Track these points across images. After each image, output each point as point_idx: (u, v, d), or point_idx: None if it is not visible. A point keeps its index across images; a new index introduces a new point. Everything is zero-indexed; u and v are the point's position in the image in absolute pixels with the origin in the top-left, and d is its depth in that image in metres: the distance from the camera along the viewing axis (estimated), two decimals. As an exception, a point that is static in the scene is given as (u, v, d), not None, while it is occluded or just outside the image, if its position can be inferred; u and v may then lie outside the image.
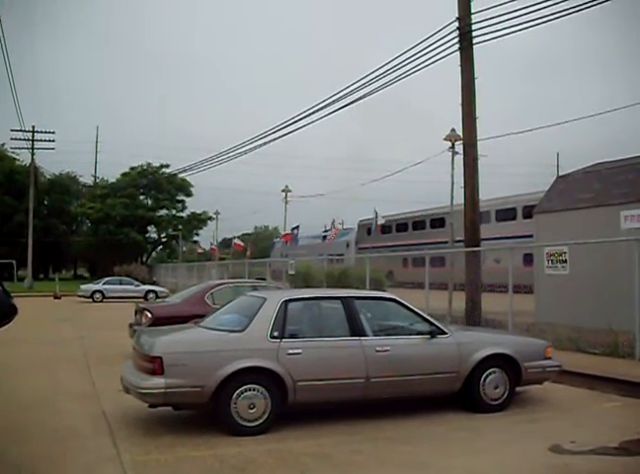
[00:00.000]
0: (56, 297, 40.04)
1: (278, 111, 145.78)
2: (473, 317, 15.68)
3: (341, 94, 21.15)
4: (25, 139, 53.91)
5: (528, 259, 22.66)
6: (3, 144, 71.10)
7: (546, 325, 14.52)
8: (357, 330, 8.22)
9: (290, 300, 8.37)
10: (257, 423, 7.50)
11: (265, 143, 28.28)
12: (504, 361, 8.72)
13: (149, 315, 13.27)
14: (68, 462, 6.54)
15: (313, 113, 23.25)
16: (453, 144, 24.60)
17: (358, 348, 8.07)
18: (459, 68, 16.21)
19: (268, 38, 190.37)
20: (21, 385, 10.67)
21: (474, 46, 16.03)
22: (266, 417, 7.54)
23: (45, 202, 76.06)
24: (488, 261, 24.91)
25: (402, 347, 8.31)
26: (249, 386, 7.52)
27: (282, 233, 56.53)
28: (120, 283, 40.09)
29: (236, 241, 64.71)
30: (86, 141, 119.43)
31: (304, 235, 56.10)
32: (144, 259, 78.75)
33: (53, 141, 54.48)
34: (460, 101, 16.27)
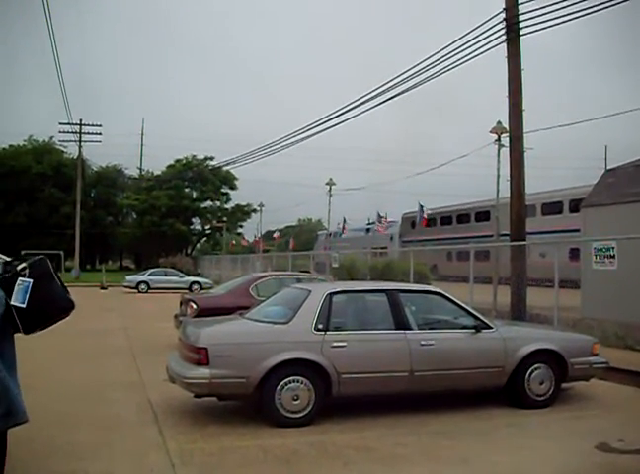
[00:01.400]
0: (103, 288, 40.73)
1: (323, 104, 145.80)
2: (518, 312, 15.50)
3: (386, 86, 21.06)
4: (72, 132, 54.80)
5: (575, 253, 22.26)
6: (52, 138, 72.51)
7: (593, 321, 14.28)
8: (401, 323, 8.20)
9: (335, 293, 8.38)
10: (301, 414, 7.54)
11: (309, 136, 28.37)
12: (550, 357, 8.62)
13: (194, 306, 13.42)
14: (115, 449, 6.66)
15: (357, 105, 23.21)
16: (500, 137, 24.30)
17: (402, 341, 8.05)
18: (506, 60, 16.00)
19: (314, 30, 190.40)
20: (69, 375, 10.89)
21: (521, 38, 15.81)
22: (310, 409, 7.58)
23: (92, 195, 77.31)
24: (533, 255, 24.59)
25: (447, 341, 8.27)
26: (293, 378, 7.56)
27: (325, 227, 56.57)
28: (165, 275, 40.58)
29: (275, 234, 64.99)
30: (132, 134, 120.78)
31: (348, 228, 56.07)
32: (189, 250, 79.61)
33: (100, 134, 55.23)
34: (507, 93, 16.07)
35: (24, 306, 3.36)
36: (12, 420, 3.33)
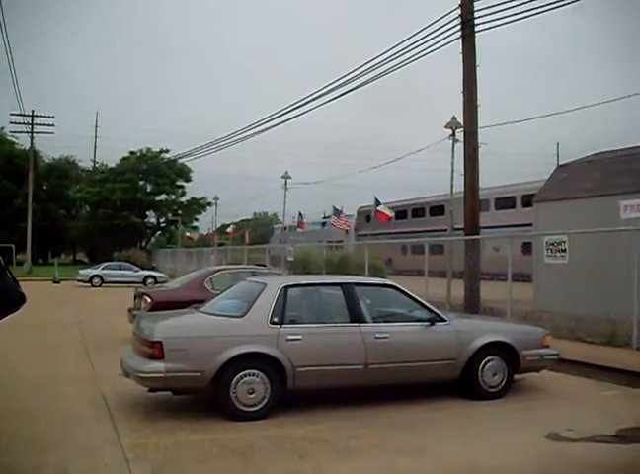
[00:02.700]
0: (55, 282, 40.04)
1: (278, 98, 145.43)
2: (472, 305, 15.72)
3: (342, 81, 21.09)
4: (24, 123, 53.79)
5: (527, 248, 22.68)
6: (2, 128, 71.00)
7: (545, 313, 14.56)
8: (356, 316, 8.24)
9: (290, 286, 8.39)
10: (256, 408, 7.53)
11: (265, 130, 28.24)
12: (502, 349, 8.75)
13: (149, 300, 13.29)
14: (69, 444, 6.57)
15: (313, 99, 23.20)
16: (454, 132, 24.55)
17: (357, 334, 8.09)
18: (461, 56, 16.15)
19: (269, 24, 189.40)
20: (21, 370, 10.69)
21: (476, 35, 15.98)
22: (265, 402, 7.57)
23: (45, 187, 75.90)
24: (487, 249, 24.92)
25: (401, 333, 8.34)
26: (249, 371, 7.55)
27: (280, 221, 56.36)
28: (120, 268, 40.14)
29: (229, 229, 64.71)
30: (86, 126, 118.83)
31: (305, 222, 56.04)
32: (143, 244, 78.76)
33: (53, 126, 54.36)
34: (462, 89, 16.23)
35: None
36: None
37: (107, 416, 7.72)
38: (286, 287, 8.27)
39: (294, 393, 7.93)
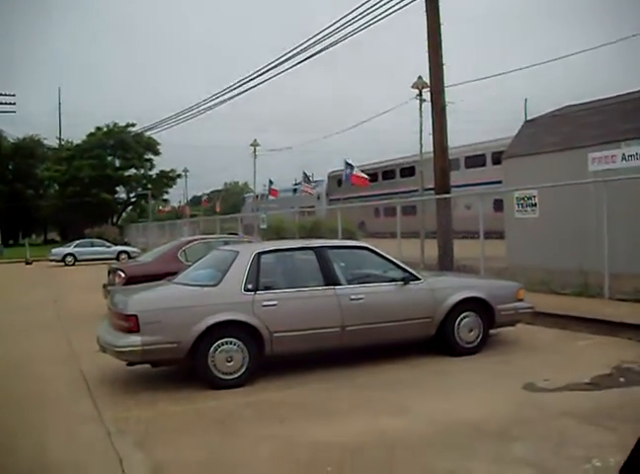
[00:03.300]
0: (28, 263, 39.59)
1: (245, 66, 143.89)
2: (445, 264, 15.81)
3: (306, 44, 20.91)
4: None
5: (499, 205, 22.77)
6: (-37, 109, 69.48)
7: (518, 268, 14.67)
8: (330, 279, 8.24)
9: (263, 252, 8.35)
10: (235, 376, 7.54)
11: (231, 98, 28.01)
12: (477, 305, 8.82)
13: (122, 275, 13.20)
14: (48, 423, 6.53)
15: (278, 64, 23.02)
16: (421, 92, 24.42)
17: (332, 297, 8.10)
18: (425, 15, 16.01)
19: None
20: (-3, 351, 10.60)
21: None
22: (243, 370, 7.58)
23: (10, 167, 74.76)
24: (459, 208, 25.02)
25: (376, 294, 8.35)
26: (225, 340, 7.54)
27: (252, 189, 56.18)
28: (92, 246, 39.84)
29: (203, 199, 64.36)
30: (50, 104, 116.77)
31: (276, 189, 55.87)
32: (115, 220, 78.05)
33: (14, 104, 53.39)
34: (427, 49, 16.12)
35: None
36: None
37: (86, 393, 7.66)
38: (259, 254, 8.24)
39: (272, 359, 7.94)
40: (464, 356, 8.54)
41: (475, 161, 39.44)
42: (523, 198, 14.55)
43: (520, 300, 9.28)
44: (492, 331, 9.17)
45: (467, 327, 8.69)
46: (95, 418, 6.62)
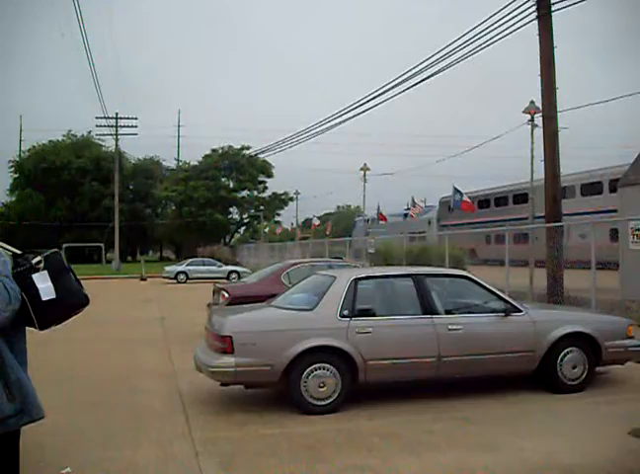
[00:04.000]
0: (142, 279, 41.05)
1: (355, 91, 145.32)
2: (555, 294, 15.26)
3: (415, 70, 20.85)
4: (109, 126, 55.39)
5: (615, 234, 21.80)
6: (90, 132, 73.45)
7: (632, 302, 13.95)
8: (428, 308, 8.06)
9: (360, 278, 8.27)
10: (327, 402, 7.47)
11: (343, 121, 28.30)
12: (582, 340, 8.39)
13: (226, 295, 13.41)
14: (142, 438, 6.68)
15: (389, 89, 23.03)
16: (533, 117, 23.85)
17: (429, 326, 7.92)
18: (537, 37, 15.65)
19: (343, 17, 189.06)
20: (104, 364, 11.04)
21: (554, 14, 15.45)
22: (336, 396, 7.50)
23: (131, 187, 78.22)
24: (572, 237, 24.17)
25: (475, 325, 8.11)
26: (319, 365, 7.50)
27: (363, 213, 56.45)
28: (204, 264, 40.76)
29: (315, 222, 65.08)
30: (168, 126, 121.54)
31: (387, 213, 55.79)
32: (227, 240, 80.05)
33: (136, 127, 55.85)
34: (539, 72, 15.73)
35: (54, 297, 3.31)
36: (27, 417, 3.27)
37: (180, 410, 7.81)
38: (356, 280, 8.17)
39: (366, 387, 7.83)
40: (567, 394, 8.13)
41: (591, 189, 38.01)
42: (639, 229, 13.86)
43: (631, 337, 8.77)
44: (599, 369, 8.71)
45: (571, 363, 8.27)
46: (185, 435, 6.73)
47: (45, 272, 3.31)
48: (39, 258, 3.34)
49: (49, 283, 3.29)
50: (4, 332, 3.16)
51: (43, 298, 3.24)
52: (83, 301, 3.49)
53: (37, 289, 3.21)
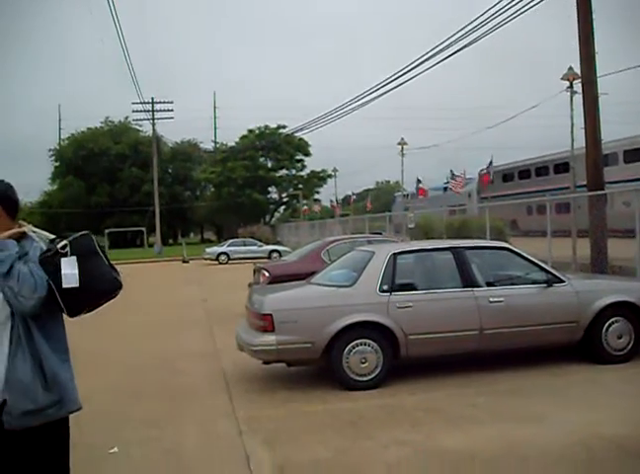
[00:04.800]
0: (184, 261, 41.41)
1: (391, 64, 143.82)
2: (598, 264, 14.94)
3: (450, 40, 20.54)
4: (145, 111, 55.63)
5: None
6: (127, 118, 74.05)
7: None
8: (468, 281, 7.99)
9: (399, 253, 8.22)
10: (369, 377, 7.48)
11: (378, 96, 28.04)
12: (628, 310, 8.23)
13: (267, 274, 13.44)
14: (186, 418, 6.77)
15: (424, 61, 22.77)
16: (572, 83, 23.32)
17: (470, 299, 7.85)
18: (575, 1, 15.23)
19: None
20: (146, 347, 11.20)
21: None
22: (378, 371, 7.50)
23: (169, 171, 78.81)
24: (616, 205, 23.65)
25: (517, 297, 8.01)
26: (360, 341, 7.50)
27: (402, 188, 56.14)
28: (244, 245, 40.97)
29: (353, 197, 64.97)
30: (203, 108, 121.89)
31: (426, 187, 55.28)
32: (267, 219, 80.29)
33: (172, 111, 56.01)
34: (577, 35, 15.32)
35: (77, 286, 3.21)
36: (64, 408, 3.25)
37: (224, 389, 7.89)
38: (395, 254, 8.12)
39: (408, 361, 7.81)
40: (612, 365, 7.99)
41: (635, 155, 37.15)
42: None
43: (679, 306, 8.56)
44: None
45: (616, 333, 8.12)
46: (229, 414, 6.80)
47: (74, 257, 3.19)
48: (64, 242, 3.22)
49: (75, 271, 3.16)
50: (38, 320, 3.15)
51: (64, 286, 3.13)
52: (114, 287, 3.34)
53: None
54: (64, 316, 3.25)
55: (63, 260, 3.14)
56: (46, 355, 3.14)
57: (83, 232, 3.31)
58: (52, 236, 3.35)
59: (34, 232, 3.31)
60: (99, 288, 3.24)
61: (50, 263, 3.13)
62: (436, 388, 7.38)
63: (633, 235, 15.00)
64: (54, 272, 3.12)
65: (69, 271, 3.13)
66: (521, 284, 8.24)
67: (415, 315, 7.66)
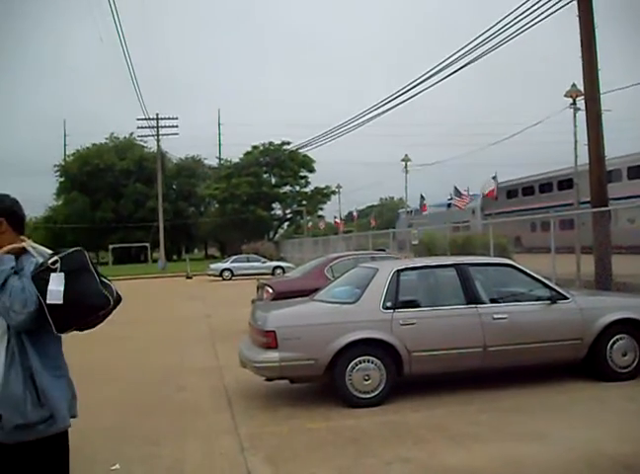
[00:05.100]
0: (188, 277, 41.34)
1: (396, 81, 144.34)
2: (603, 281, 14.91)
3: (452, 59, 20.63)
4: (150, 127, 55.90)
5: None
6: (132, 134, 74.39)
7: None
8: (472, 297, 7.97)
9: (403, 270, 8.22)
10: (372, 394, 7.45)
11: (380, 114, 28.12)
12: (633, 327, 8.19)
13: (270, 290, 13.43)
14: (188, 434, 6.76)
15: (426, 79, 22.86)
16: (575, 100, 23.38)
17: (474, 316, 7.83)
18: (577, 18, 15.29)
19: (383, 9, 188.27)
20: (151, 362, 11.20)
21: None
22: (381, 388, 7.47)
23: (174, 187, 79.00)
24: (621, 221, 23.61)
25: (520, 313, 7.99)
26: (363, 358, 7.48)
27: (406, 205, 56.20)
28: (248, 261, 40.89)
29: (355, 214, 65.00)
30: (208, 124, 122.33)
31: (429, 204, 55.31)
32: (271, 236, 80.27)
33: (177, 127, 56.30)
34: (580, 52, 15.38)
35: (60, 303, 3.18)
36: (55, 425, 3.21)
37: (226, 405, 7.88)
38: (398, 271, 8.11)
39: (411, 379, 7.78)
40: (617, 382, 7.94)
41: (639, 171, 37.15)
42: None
43: (683, 323, 8.53)
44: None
45: (621, 350, 8.08)
46: (232, 431, 6.78)
47: (62, 274, 3.16)
48: (55, 258, 3.21)
49: (61, 288, 3.13)
50: (32, 335, 3.14)
51: (48, 301, 3.10)
52: (102, 303, 3.28)
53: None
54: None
55: (52, 275, 3.13)
56: (38, 371, 3.13)
57: (76, 248, 3.30)
58: (50, 251, 3.34)
59: (33, 248, 3.31)
60: (86, 304, 3.19)
61: (42, 278, 3.12)
62: (439, 405, 7.35)
63: (638, 251, 15.00)
64: (44, 287, 3.11)
65: (55, 287, 3.11)
66: (525, 301, 8.21)
67: (418, 332, 7.64)
